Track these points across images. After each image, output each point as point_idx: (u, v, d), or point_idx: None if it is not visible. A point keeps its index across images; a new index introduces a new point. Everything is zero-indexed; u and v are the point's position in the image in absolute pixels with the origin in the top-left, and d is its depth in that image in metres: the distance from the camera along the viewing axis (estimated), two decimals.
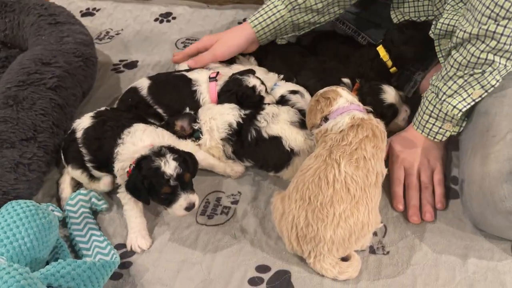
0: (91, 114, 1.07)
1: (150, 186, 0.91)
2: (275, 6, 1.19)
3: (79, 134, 1.03)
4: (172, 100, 1.15)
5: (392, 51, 1.18)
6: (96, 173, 1.04)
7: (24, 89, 1.11)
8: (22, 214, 0.86)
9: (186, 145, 1.06)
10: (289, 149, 1.02)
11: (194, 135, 1.09)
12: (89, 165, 1.03)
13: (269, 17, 1.20)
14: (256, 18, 1.20)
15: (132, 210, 0.98)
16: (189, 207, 0.92)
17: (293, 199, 0.88)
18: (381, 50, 1.19)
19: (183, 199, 0.91)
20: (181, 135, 1.09)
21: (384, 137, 0.93)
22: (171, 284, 0.90)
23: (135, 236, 0.96)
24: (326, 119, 0.97)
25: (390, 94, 1.11)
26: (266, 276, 0.90)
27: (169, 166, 0.90)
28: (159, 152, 0.92)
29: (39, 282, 0.74)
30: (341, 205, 0.85)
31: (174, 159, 0.91)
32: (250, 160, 1.08)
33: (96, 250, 0.92)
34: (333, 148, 0.90)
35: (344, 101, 0.97)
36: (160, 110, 1.16)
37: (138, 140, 0.98)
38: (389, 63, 1.19)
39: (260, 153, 1.05)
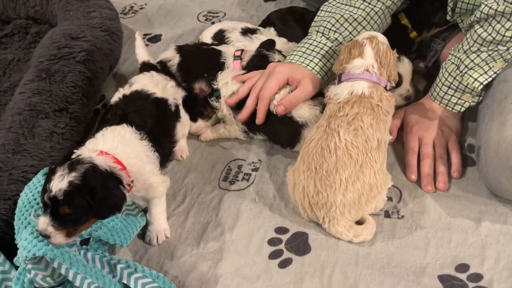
0: (132, 88, 1.04)
1: None
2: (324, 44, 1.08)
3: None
4: (201, 74, 1.15)
5: (412, 14, 1.19)
6: None
7: (55, 62, 1.17)
8: None
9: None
10: (297, 120, 1.04)
11: (214, 94, 1.11)
12: None
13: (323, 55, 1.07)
14: (316, 64, 1.06)
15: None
16: (41, 233, 0.78)
17: (301, 170, 0.92)
18: (401, 16, 1.21)
19: (42, 222, 0.78)
20: (202, 98, 1.11)
21: (387, 112, 0.94)
22: (196, 244, 0.95)
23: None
24: (340, 76, 0.98)
25: (404, 65, 1.11)
26: (284, 237, 0.95)
27: (56, 183, 0.77)
28: (73, 164, 0.80)
29: None
30: (345, 170, 0.88)
31: (70, 181, 0.77)
32: (262, 134, 1.11)
33: (125, 212, 0.98)
34: (331, 119, 0.92)
35: (359, 65, 0.95)
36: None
37: (98, 144, 0.88)
38: (409, 26, 1.20)
39: (271, 127, 1.07)
